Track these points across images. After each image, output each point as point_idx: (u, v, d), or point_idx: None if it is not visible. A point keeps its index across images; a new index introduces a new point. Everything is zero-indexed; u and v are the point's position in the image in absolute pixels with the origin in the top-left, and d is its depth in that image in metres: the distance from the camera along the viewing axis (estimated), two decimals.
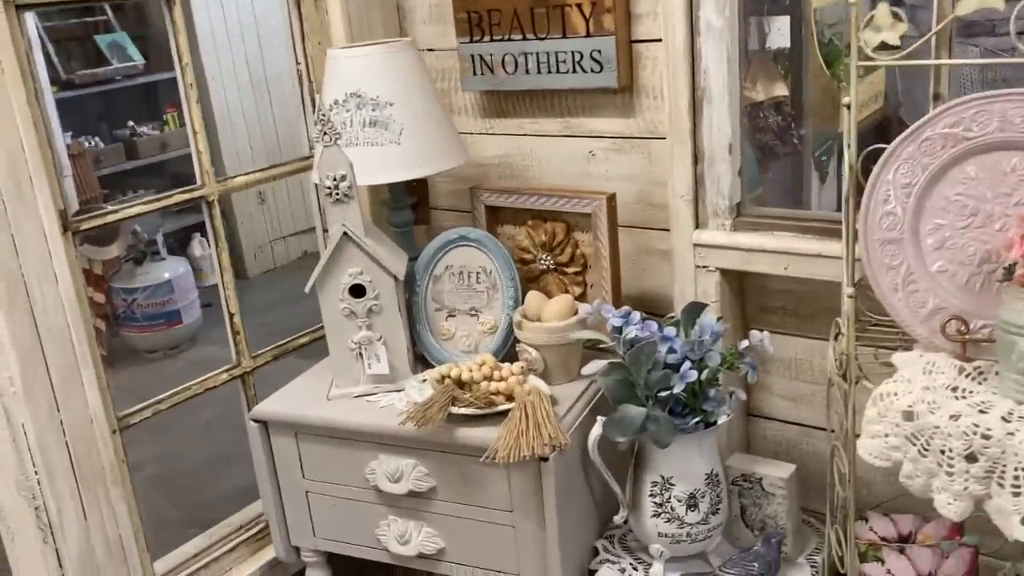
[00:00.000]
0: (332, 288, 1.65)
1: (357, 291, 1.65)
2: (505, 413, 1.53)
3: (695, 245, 1.71)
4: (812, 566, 1.57)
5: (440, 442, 1.55)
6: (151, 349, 4.42)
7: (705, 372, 1.46)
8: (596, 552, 1.65)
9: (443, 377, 1.58)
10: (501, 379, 1.57)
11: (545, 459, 1.47)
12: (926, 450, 1.21)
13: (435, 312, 1.76)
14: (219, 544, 1.91)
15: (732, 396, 1.52)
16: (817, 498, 1.65)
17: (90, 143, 4.93)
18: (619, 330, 1.53)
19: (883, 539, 1.52)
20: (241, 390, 1.90)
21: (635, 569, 1.59)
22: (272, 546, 1.91)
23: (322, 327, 2.02)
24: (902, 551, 1.44)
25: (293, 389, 1.77)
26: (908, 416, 1.23)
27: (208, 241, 5.47)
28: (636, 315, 1.52)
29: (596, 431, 1.53)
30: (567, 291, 1.77)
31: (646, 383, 1.47)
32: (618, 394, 1.50)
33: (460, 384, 1.57)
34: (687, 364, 1.46)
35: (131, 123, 5.11)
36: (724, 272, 1.72)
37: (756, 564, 1.52)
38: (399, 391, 1.69)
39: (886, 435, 1.25)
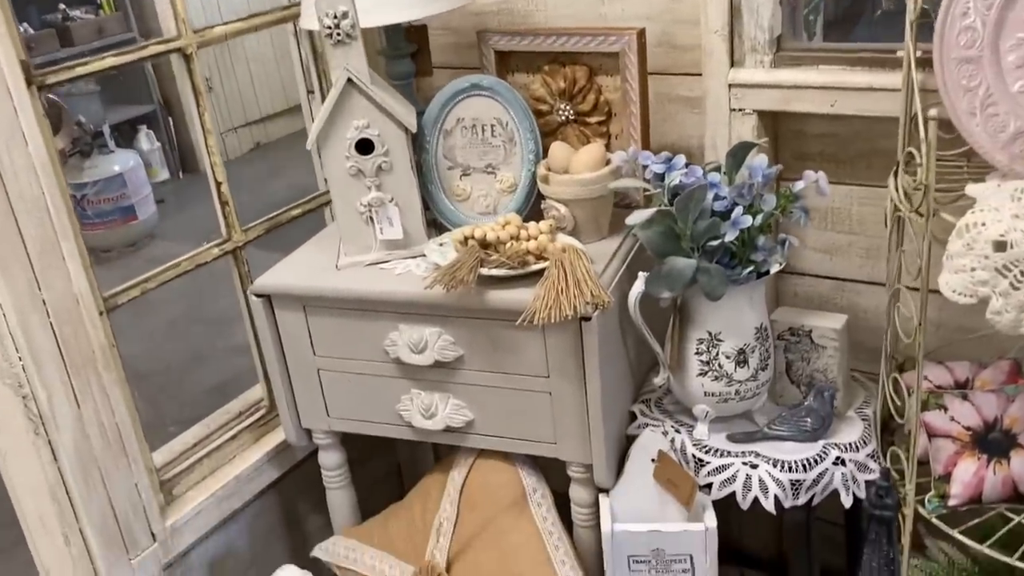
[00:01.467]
0: (336, 144, 1.48)
1: (364, 147, 1.49)
2: (539, 273, 1.40)
3: (731, 85, 1.57)
4: (863, 419, 1.50)
5: (468, 307, 1.42)
6: (106, 248, 4.20)
7: (759, 217, 1.35)
8: (633, 417, 1.56)
9: (465, 239, 1.44)
10: (529, 238, 1.44)
11: (587, 318, 1.36)
12: (1019, 282, 1.11)
13: (448, 171, 1.60)
14: (219, 432, 1.78)
15: (785, 243, 1.41)
16: (853, 352, 1.57)
17: (19, 29, 4.56)
18: (661, 177, 1.41)
19: (938, 387, 1.44)
20: (233, 266, 1.74)
21: (677, 432, 1.50)
22: (278, 430, 1.81)
23: (311, 199, 1.88)
24: (965, 397, 1.37)
25: (296, 260, 1.62)
26: (999, 246, 1.13)
27: (160, 129, 5.23)
28: (680, 158, 1.39)
29: (638, 287, 1.41)
30: (588, 142, 1.62)
31: (692, 233, 1.35)
32: (662, 246, 1.38)
33: (485, 245, 1.43)
34: (738, 210, 1.34)
35: (63, 6, 4.73)
36: (761, 115, 1.58)
37: (809, 420, 1.44)
38: (415, 257, 1.55)
39: (972, 269, 1.16)
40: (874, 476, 1.44)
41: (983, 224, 1.15)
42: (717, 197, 1.37)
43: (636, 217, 1.34)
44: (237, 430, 1.79)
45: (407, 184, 1.52)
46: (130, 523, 1.56)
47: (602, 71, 1.59)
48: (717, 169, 1.43)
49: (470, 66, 1.75)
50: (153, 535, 1.61)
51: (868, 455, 1.44)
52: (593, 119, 1.62)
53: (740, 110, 1.59)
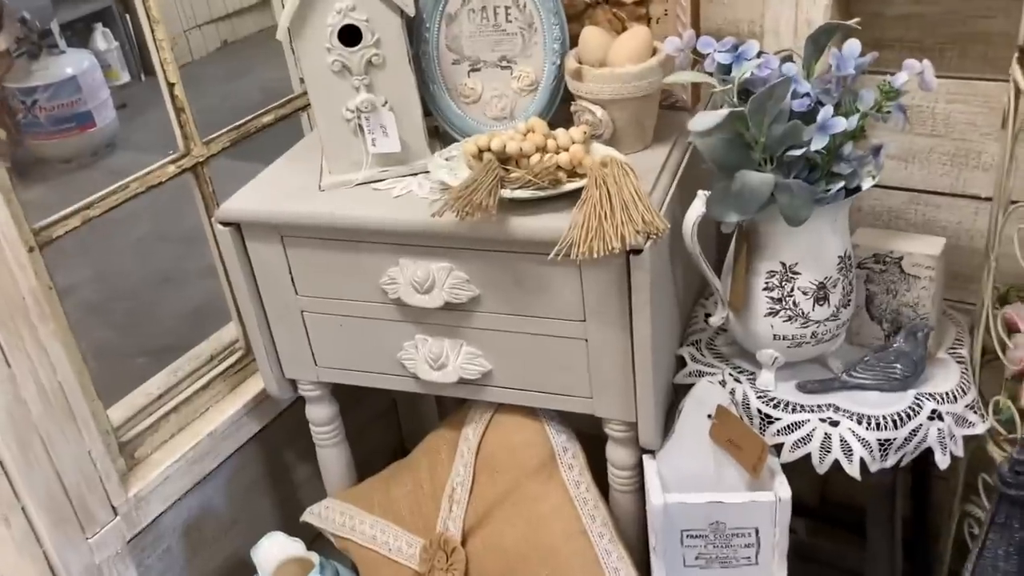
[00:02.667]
0: (314, 34, 1.18)
1: (349, 36, 1.19)
2: (574, 194, 1.13)
3: None
4: (958, 361, 1.25)
5: (485, 237, 1.15)
6: (65, 158, 3.84)
7: (854, 119, 1.07)
8: (682, 363, 1.31)
9: (480, 151, 1.16)
10: (558, 150, 1.16)
11: (638, 251, 1.09)
12: None
13: (452, 66, 1.30)
14: (188, 381, 1.52)
15: (879, 151, 1.13)
16: None
17: None
18: (727, 70, 1.12)
19: None
20: (195, 186, 1.45)
21: (737, 381, 1.25)
22: (257, 375, 1.55)
23: (284, 103, 1.58)
24: None
25: (270, 180, 1.33)
26: None
27: (118, 27, 4.80)
28: (752, 45, 1.10)
29: (697, 210, 1.14)
30: (624, 28, 1.32)
31: (767, 141, 1.07)
32: (727, 158, 1.11)
33: (504, 160, 1.15)
34: (826, 110, 1.06)
35: None
36: None
37: (899, 366, 1.19)
38: (416, 175, 1.27)
39: None
40: (975, 431, 1.20)
41: None
42: (795, 95, 1.09)
43: (702, 121, 1.05)
44: (209, 378, 1.53)
45: (404, 83, 1.22)
46: (83, 496, 1.31)
47: None
48: (789, 59, 1.14)
49: None
50: (114, 508, 1.36)
51: (967, 406, 1.20)
52: None
53: None
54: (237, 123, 1.48)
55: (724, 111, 1.05)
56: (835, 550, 1.55)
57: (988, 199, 1.37)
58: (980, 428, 1.20)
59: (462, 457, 1.33)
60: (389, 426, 2.00)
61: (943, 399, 1.19)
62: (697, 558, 1.23)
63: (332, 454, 1.49)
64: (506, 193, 1.12)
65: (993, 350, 1.26)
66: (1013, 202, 1.14)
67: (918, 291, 1.23)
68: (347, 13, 1.16)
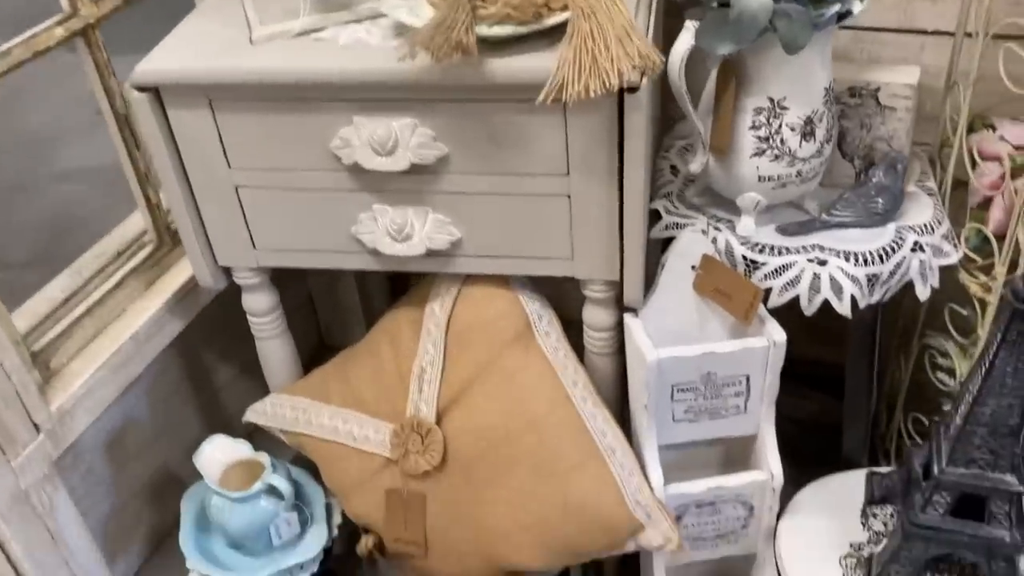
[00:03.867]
0: None
1: None
2: (556, 30, 1.02)
3: None
4: (929, 194, 1.25)
5: (459, 85, 1.03)
6: None
7: None
8: (657, 216, 1.25)
9: None
10: None
11: (634, 89, 1.00)
12: None
13: None
14: (97, 281, 1.34)
15: None
16: None
17: None
18: None
19: (1017, 148, 1.20)
20: (86, 54, 1.24)
21: (717, 230, 1.20)
22: (175, 270, 1.39)
23: None
24: None
25: (189, 36, 1.15)
26: None
27: None
28: None
29: (686, 42, 1.06)
30: None
31: None
32: None
33: None
34: None
35: None
36: None
37: (880, 200, 1.17)
38: (361, 21, 1.12)
39: None
40: (950, 260, 1.21)
41: None
42: None
43: None
44: (120, 276, 1.36)
45: None
46: (0, 414, 1.14)
47: None
48: None
49: None
50: (36, 425, 1.20)
51: (943, 236, 1.20)
52: None
53: None
54: None
55: None
56: (795, 404, 1.56)
57: (936, 33, 1.35)
58: (954, 257, 1.21)
59: (430, 335, 1.24)
60: (306, 320, 1.88)
61: (922, 230, 1.18)
62: (686, 411, 1.20)
63: (275, 346, 1.36)
64: (483, 30, 1.00)
65: (955, 182, 1.26)
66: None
67: (894, 123, 1.20)
68: None
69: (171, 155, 1.15)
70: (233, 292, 1.35)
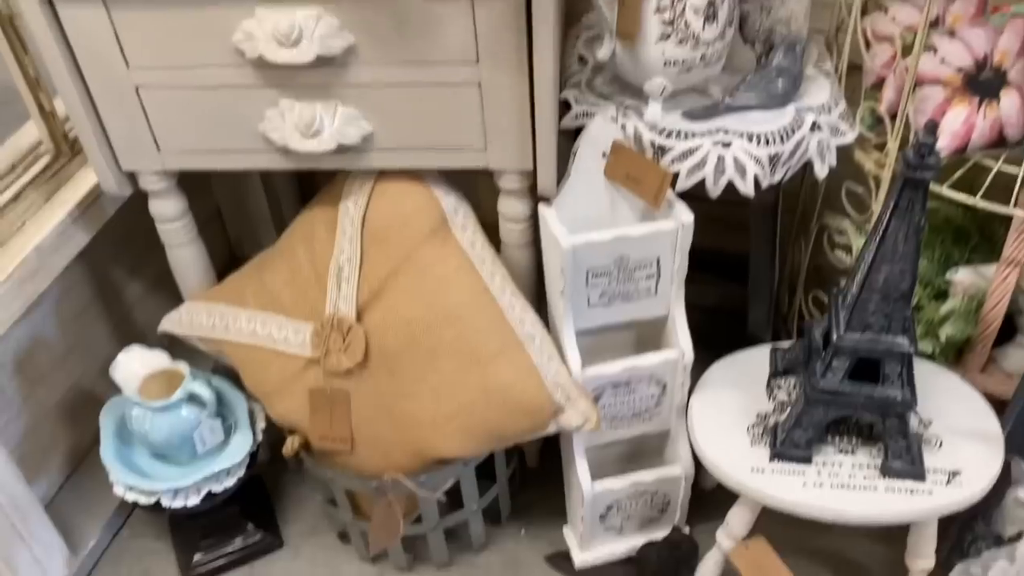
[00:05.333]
0: None
1: None
2: None
3: None
4: (826, 75, 1.29)
5: None
6: None
7: None
8: (567, 106, 1.26)
9: None
10: None
11: None
12: None
13: None
14: None
15: None
16: None
17: None
18: None
19: (908, 28, 1.25)
20: None
21: (626, 117, 1.22)
22: (76, 180, 1.36)
23: None
24: (953, 34, 1.18)
25: None
26: None
27: None
28: None
29: None
30: None
31: None
32: None
33: None
34: None
35: None
36: None
37: (780, 81, 1.21)
38: None
39: None
40: (846, 140, 1.26)
41: None
42: None
43: None
44: (18, 188, 1.31)
45: None
46: None
47: None
48: None
49: None
50: None
51: (840, 116, 1.25)
52: None
53: None
54: None
55: None
56: (702, 292, 1.62)
57: None
58: (850, 136, 1.26)
59: (345, 233, 1.24)
60: (215, 233, 1.85)
61: (820, 111, 1.23)
62: (601, 296, 1.23)
63: (186, 253, 1.34)
64: None
65: (850, 66, 1.31)
66: None
67: (792, 5, 1.23)
68: None
69: (65, 58, 1.10)
70: (139, 201, 1.31)
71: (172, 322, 1.38)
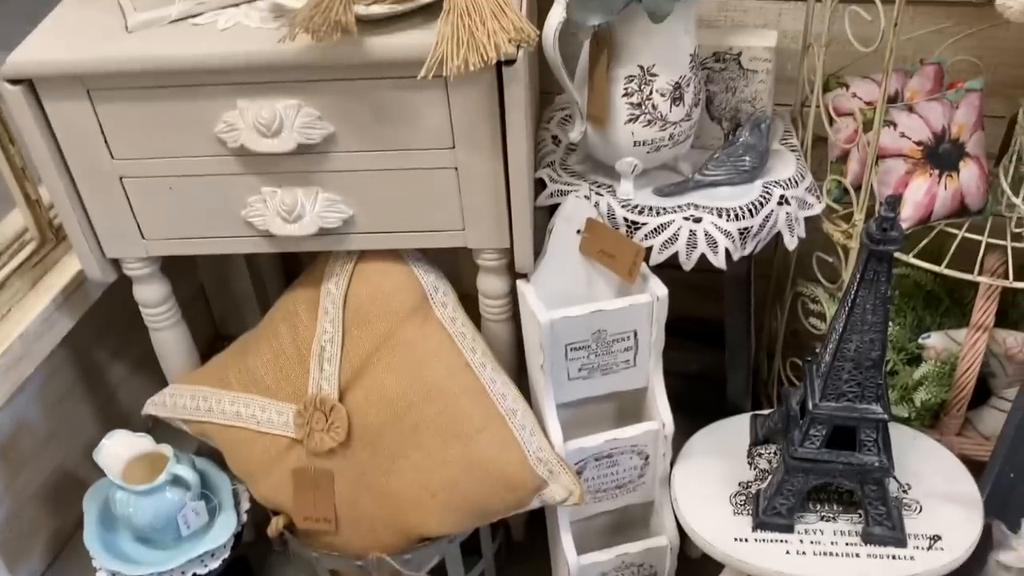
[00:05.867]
0: None
1: None
2: (430, 8, 1.05)
3: None
4: (792, 150, 1.34)
5: (340, 64, 1.05)
6: None
7: None
8: (543, 184, 1.29)
9: None
10: None
11: (511, 61, 1.04)
12: None
13: None
14: None
15: None
16: None
17: None
18: None
19: (869, 103, 1.29)
20: None
21: (599, 194, 1.26)
22: (60, 266, 1.37)
23: None
24: (911, 109, 1.23)
25: (59, 26, 1.13)
26: None
27: None
28: None
29: (558, 16, 1.11)
30: None
31: None
32: None
33: None
34: None
35: None
36: None
37: (747, 158, 1.25)
38: (239, 4, 1.13)
39: None
40: (814, 211, 1.30)
41: None
42: None
43: None
44: (3, 276, 1.32)
45: None
46: None
47: None
48: None
49: None
50: None
51: (807, 190, 1.29)
52: None
53: None
54: None
55: None
56: (681, 359, 1.64)
57: None
58: (817, 208, 1.30)
59: (327, 313, 1.26)
60: (199, 312, 1.86)
61: (787, 185, 1.27)
62: (580, 369, 1.25)
63: (170, 337, 1.35)
64: (361, 10, 1.02)
65: (815, 139, 1.35)
66: None
67: (756, 85, 1.28)
68: None
69: (50, 148, 1.13)
70: (123, 285, 1.33)
71: (156, 405, 1.38)
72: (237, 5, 1.12)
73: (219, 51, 1.05)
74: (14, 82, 1.08)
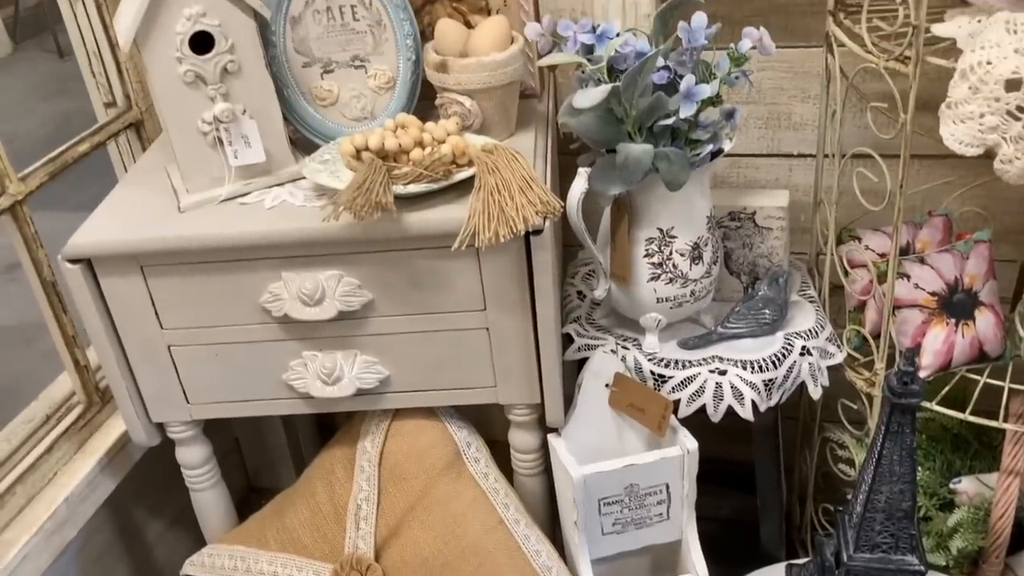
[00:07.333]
0: (162, 42, 1.09)
1: (201, 43, 1.11)
2: (462, 184, 1.13)
3: None
4: (810, 301, 1.38)
5: (380, 238, 1.12)
6: None
7: (714, 85, 1.15)
8: (570, 340, 1.34)
9: (358, 151, 1.13)
10: (435, 142, 1.15)
11: (539, 231, 1.10)
12: None
13: (304, 69, 1.25)
14: (26, 447, 1.35)
15: (733, 115, 1.22)
16: None
17: None
18: (590, 49, 1.16)
19: (882, 255, 1.35)
20: (15, 229, 1.29)
21: (625, 348, 1.30)
22: (105, 428, 1.42)
23: (98, 129, 1.45)
24: (923, 261, 1.28)
25: (117, 208, 1.21)
26: (1011, 86, 1.01)
27: None
28: (613, 26, 1.15)
29: (580, 187, 1.18)
30: (467, 22, 1.34)
31: (636, 113, 1.13)
32: (603, 133, 1.16)
33: (383, 157, 1.13)
34: (689, 79, 1.13)
35: None
36: None
37: (767, 311, 1.30)
38: (283, 184, 1.21)
39: (981, 115, 1.03)
40: (835, 361, 1.33)
41: (989, 63, 1.02)
42: (656, 68, 1.16)
43: (587, 98, 1.09)
44: (51, 440, 1.37)
45: (263, 89, 1.16)
46: None
47: None
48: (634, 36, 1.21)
49: None
50: None
51: (827, 339, 1.33)
52: None
53: None
54: (52, 155, 1.34)
55: (605, 87, 1.09)
56: (714, 504, 1.64)
57: (801, 155, 1.52)
58: (839, 357, 1.33)
59: (363, 471, 1.29)
60: (234, 467, 1.89)
61: (808, 336, 1.30)
62: (614, 524, 1.26)
63: (210, 497, 1.38)
64: (399, 189, 1.10)
65: (832, 287, 1.40)
66: (846, 154, 1.28)
67: (771, 241, 1.34)
68: (198, 19, 1.09)
69: (103, 319, 1.19)
70: (162, 444, 1.37)
71: (194, 566, 1.40)
72: (282, 184, 1.20)
73: (267, 229, 1.12)
74: (73, 261, 1.15)
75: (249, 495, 1.93)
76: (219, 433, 1.67)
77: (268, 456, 1.89)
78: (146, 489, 1.58)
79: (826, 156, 1.42)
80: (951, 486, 1.35)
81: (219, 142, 1.15)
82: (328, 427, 1.82)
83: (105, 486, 1.41)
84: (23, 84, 4.53)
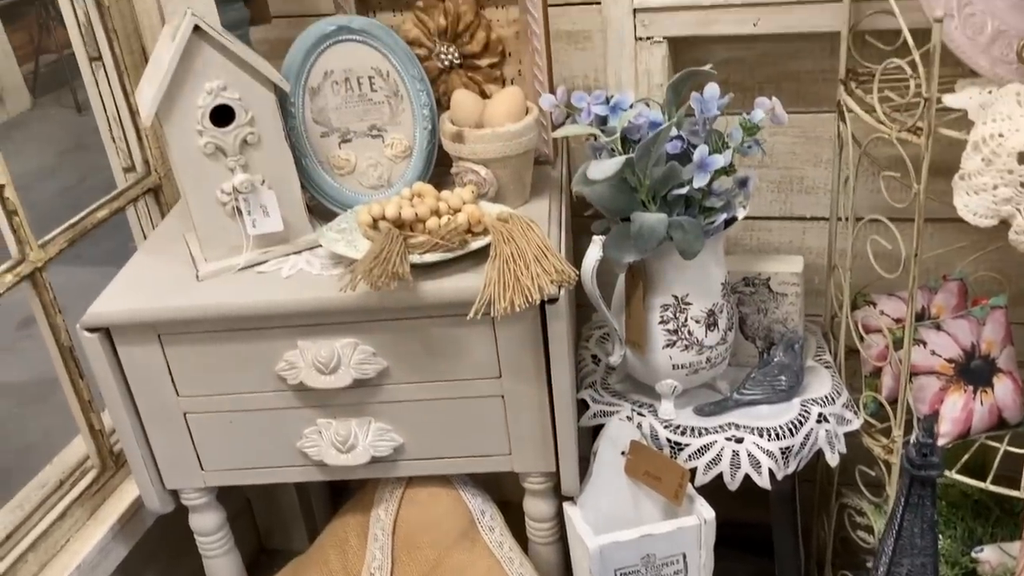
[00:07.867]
0: (183, 115, 1.11)
1: (221, 116, 1.13)
2: (477, 253, 1.14)
3: (636, 11, 1.37)
4: (826, 367, 1.38)
5: (395, 307, 1.13)
6: None
7: (726, 155, 1.16)
8: (586, 405, 1.34)
9: (374, 220, 1.14)
10: (450, 211, 1.16)
11: (554, 300, 1.11)
12: None
13: (322, 139, 1.27)
14: (39, 514, 1.35)
15: (746, 183, 1.23)
16: None
17: None
18: (603, 120, 1.18)
19: (897, 320, 1.34)
20: (34, 295, 1.31)
21: (641, 415, 1.30)
22: (118, 493, 1.42)
23: (116, 195, 1.46)
24: (939, 327, 1.27)
25: (135, 277, 1.23)
26: (1023, 158, 1.02)
27: None
28: (627, 96, 1.17)
29: (595, 255, 1.18)
30: (482, 91, 1.36)
31: (650, 183, 1.14)
32: (616, 202, 1.17)
33: (399, 226, 1.14)
34: (702, 149, 1.14)
35: None
36: (671, 43, 1.40)
37: (783, 377, 1.29)
38: (300, 252, 1.22)
39: (995, 187, 1.04)
40: (852, 427, 1.32)
41: (1001, 135, 1.03)
42: (670, 138, 1.17)
43: (602, 169, 1.10)
44: (64, 507, 1.37)
45: (281, 160, 1.18)
46: None
47: (489, 2, 1.32)
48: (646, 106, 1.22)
49: (315, 13, 1.42)
50: None
51: (844, 406, 1.32)
52: (484, 61, 1.35)
53: (648, 39, 1.39)
54: (72, 221, 1.36)
55: (619, 159, 1.10)
56: (733, 569, 1.62)
57: (814, 219, 1.53)
58: (856, 424, 1.32)
59: (376, 540, 1.28)
60: (246, 528, 1.88)
61: (824, 402, 1.30)
62: None
63: (222, 564, 1.37)
64: (415, 258, 1.11)
65: (848, 350, 1.39)
66: (859, 218, 1.28)
67: (786, 307, 1.34)
68: (219, 93, 1.11)
69: (119, 387, 1.20)
70: (175, 510, 1.36)
71: None
72: (299, 252, 1.21)
73: (284, 298, 1.13)
74: (92, 330, 1.16)
75: (260, 556, 1.92)
76: (231, 494, 1.66)
77: (280, 517, 1.88)
78: (158, 555, 1.57)
79: (839, 220, 1.42)
80: (973, 555, 1.33)
81: (238, 212, 1.17)
82: (340, 488, 1.81)
83: (117, 552, 1.40)
84: (42, 138, 4.62)
